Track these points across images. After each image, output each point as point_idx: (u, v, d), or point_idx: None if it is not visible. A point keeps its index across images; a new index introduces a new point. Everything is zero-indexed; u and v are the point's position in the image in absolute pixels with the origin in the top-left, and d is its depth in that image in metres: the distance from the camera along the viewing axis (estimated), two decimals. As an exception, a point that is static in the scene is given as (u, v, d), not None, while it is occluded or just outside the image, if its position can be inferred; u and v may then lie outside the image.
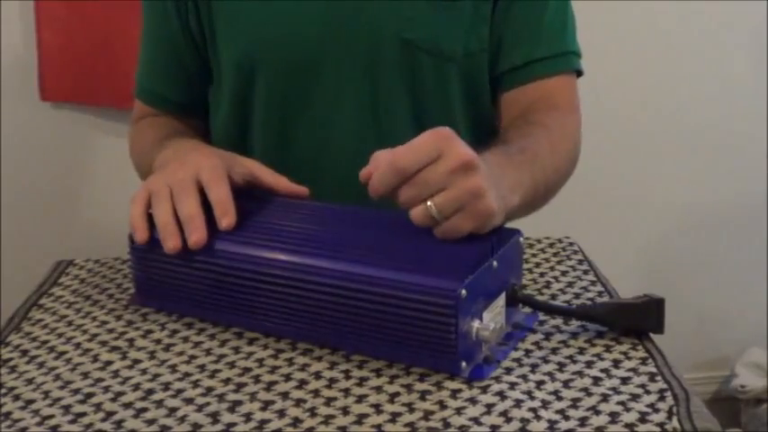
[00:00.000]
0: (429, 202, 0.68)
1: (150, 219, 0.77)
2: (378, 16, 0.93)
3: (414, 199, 0.69)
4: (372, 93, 0.95)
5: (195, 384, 0.68)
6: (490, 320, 0.70)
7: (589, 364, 0.70)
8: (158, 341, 0.76)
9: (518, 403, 0.65)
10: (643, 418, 0.63)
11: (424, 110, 0.96)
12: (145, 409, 0.65)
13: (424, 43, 0.93)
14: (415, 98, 0.96)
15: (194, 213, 0.74)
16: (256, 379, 0.69)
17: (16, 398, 0.67)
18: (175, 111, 1.05)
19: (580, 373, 0.69)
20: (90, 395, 0.67)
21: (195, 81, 1.03)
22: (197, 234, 0.74)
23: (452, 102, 0.97)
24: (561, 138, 0.93)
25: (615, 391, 0.66)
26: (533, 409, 0.64)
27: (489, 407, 0.64)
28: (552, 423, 0.62)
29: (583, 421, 0.62)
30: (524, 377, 0.68)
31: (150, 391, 0.68)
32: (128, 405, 0.66)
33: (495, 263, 0.71)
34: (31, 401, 0.67)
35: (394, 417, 0.63)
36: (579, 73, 1.00)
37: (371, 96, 0.95)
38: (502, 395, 0.66)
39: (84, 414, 0.65)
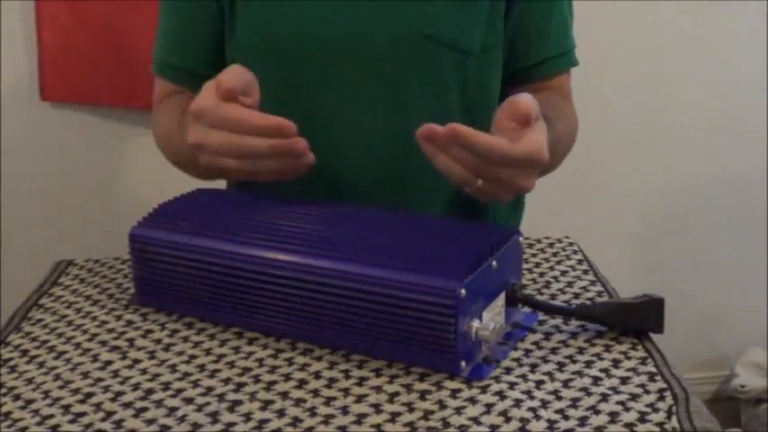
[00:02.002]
0: (481, 182, 0.74)
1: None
2: (400, 13, 0.94)
3: (470, 170, 0.74)
4: (393, 86, 0.96)
5: (195, 384, 0.68)
6: (490, 320, 0.70)
7: (589, 364, 0.70)
8: (158, 341, 0.76)
9: (517, 403, 0.65)
10: (642, 418, 0.63)
11: (444, 100, 0.98)
12: (144, 409, 0.65)
13: (445, 39, 0.95)
14: (436, 91, 0.97)
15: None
16: (256, 379, 0.69)
17: (16, 398, 0.67)
18: (199, 86, 1.04)
19: (580, 373, 0.69)
20: (90, 395, 0.67)
21: (220, 52, 1.01)
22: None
23: (467, 92, 0.99)
24: (569, 126, 1.00)
25: (615, 390, 0.66)
26: (533, 409, 0.64)
27: (489, 406, 0.64)
28: (552, 423, 0.62)
29: (582, 421, 0.62)
30: (524, 377, 0.68)
31: (150, 391, 0.68)
32: (127, 405, 0.66)
33: (494, 263, 0.71)
34: (31, 401, 0.67)
35: (393, 416, 0.63)
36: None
37: (391, 89, 0.96)
38: (501, 395, 0.66)
39: (83, 414, 0.65)
